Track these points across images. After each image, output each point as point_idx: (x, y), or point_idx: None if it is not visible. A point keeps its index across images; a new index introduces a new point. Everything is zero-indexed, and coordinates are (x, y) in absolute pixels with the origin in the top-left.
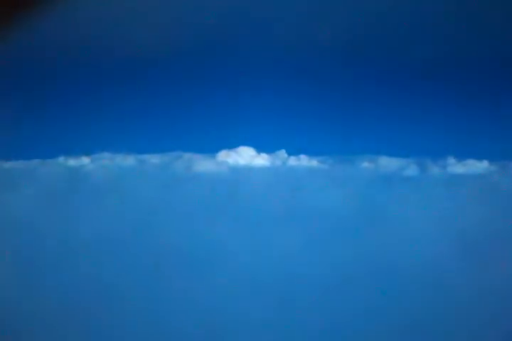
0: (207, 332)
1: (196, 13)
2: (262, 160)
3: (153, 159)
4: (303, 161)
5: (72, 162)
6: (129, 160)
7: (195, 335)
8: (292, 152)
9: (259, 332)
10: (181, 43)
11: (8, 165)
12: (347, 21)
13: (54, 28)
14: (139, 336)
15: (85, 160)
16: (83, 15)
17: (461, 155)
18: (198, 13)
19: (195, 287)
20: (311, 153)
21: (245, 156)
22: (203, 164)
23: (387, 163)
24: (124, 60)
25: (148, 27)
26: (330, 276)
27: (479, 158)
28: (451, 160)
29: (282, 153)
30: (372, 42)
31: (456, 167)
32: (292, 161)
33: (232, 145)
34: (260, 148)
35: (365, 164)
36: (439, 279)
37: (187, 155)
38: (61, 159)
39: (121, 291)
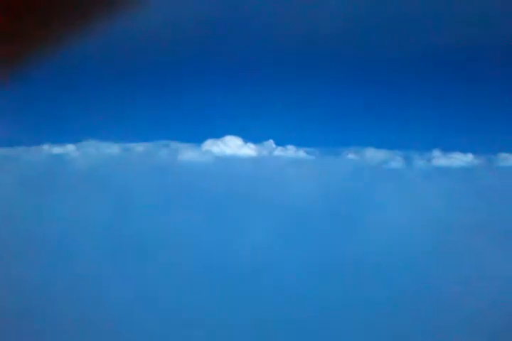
0: (181, 319)
1: (192, 4)
2: (248, 149)
3: (139, 147)
4: (290, 152)
5: (56, 149)
6: (113, 149)
7: (171, 322)
8: (279, 142)
9: (230, 319)
10: (171, 34)
11: None
12: (340, 15)
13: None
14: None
15: (70, 147)
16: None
17: (447, 148)
18: (194, 5)
19: (176, 274)
20: (298, 143)
21: (232, 146)
22: (188, 153)
23: (373, 155)
24: (112, 50)
25: (141, 19)
26: (312, 265)
27: (464, 151)
28: (436, 152)
29: (270, 143)
30: (364, 37)
31: (441, 160)
32: (279, 151)
33: (218, 134)
34: (247, 138)
35: (351, 155)
36: (419, 269)
37: (173, 144)
38: (46, 146)
39: (101, 276)
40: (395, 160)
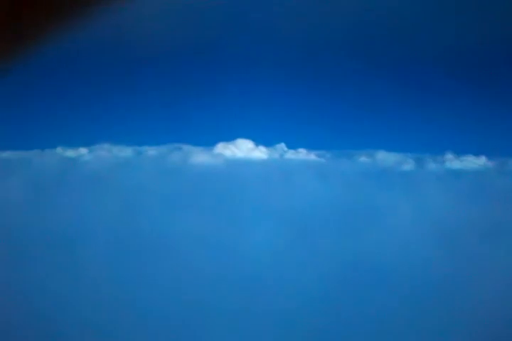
0: (186, 319)
1: (199, 7)
2: (259, 152)
3: (151, 151)
4: (301, 155)
5: (70, 152)
6: (126, 152)
7: (176, 321)
8: (291, 145)
9: (233, 322)
10: (180, 38)
11: (6, 154)
12: (347, 16)
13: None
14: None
15: (83, 151)
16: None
17: (460, 151)
18: (201, 8)
19: (186, 276)
20: (309, 146)
21: (243, 149)
22: (200, 156)
23: (385, 158)
24: (124, 54)
25: (150, 21)
26: (323, 268)
27: (477, 153)
28: (449, 155)
29: (281, 147)
30: (375, 38)
31: (454, 162)
32: (290, 154)
33: (230, 137)
34: (259, 141)
35: (363, 158)
36: (432, 273)
37: (185, 148)
38: (59, 149)
39: (111, 278)
40: (407, 163)
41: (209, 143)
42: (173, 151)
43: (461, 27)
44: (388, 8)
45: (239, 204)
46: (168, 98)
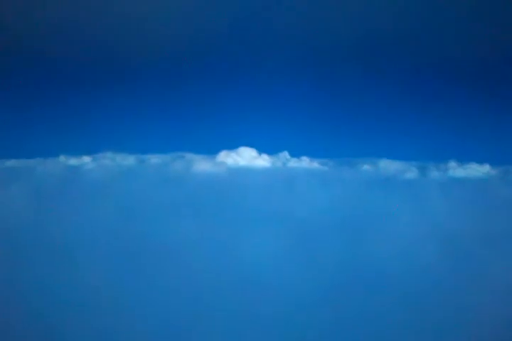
0: (188, 326)
1: (204, 14)
2: (262, 161)
3: (154, 159)
4: (304, 163)
5: (73, 161)
6: (129, 160)
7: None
8: (293, 153)
9: (232, 330)
10: (184, 46)
11: (10, 162)
12: (352, 27)
13: (58, 31)
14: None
15: (86, 159)
16: (88, 18)
17: (463, 159)
18: (206, 15)
19: (188, 284)
20: (312, 155)
21: (246, 157)
22: (203, 164)
23: (388, 166)
24: (127, 63)
25: (153, 29)
26: (325, 277)
27: (481, 161)
28: (452, 163)
29: (284, 155)
30: (376, 48)
31: (457, 171)
32: (293, 163)
33: (233, 146)
34: (262, 149)
35: (366, 167)
36: (434, 281)
37: (188, 156)
38: (62, 158)
39: (113, 285)
40: (410, 171)
41: (212, 151)
42: (176, 159)
43: (466, 36)
44: (394, 18)
45: (241, 212)
46: (171, 106)
